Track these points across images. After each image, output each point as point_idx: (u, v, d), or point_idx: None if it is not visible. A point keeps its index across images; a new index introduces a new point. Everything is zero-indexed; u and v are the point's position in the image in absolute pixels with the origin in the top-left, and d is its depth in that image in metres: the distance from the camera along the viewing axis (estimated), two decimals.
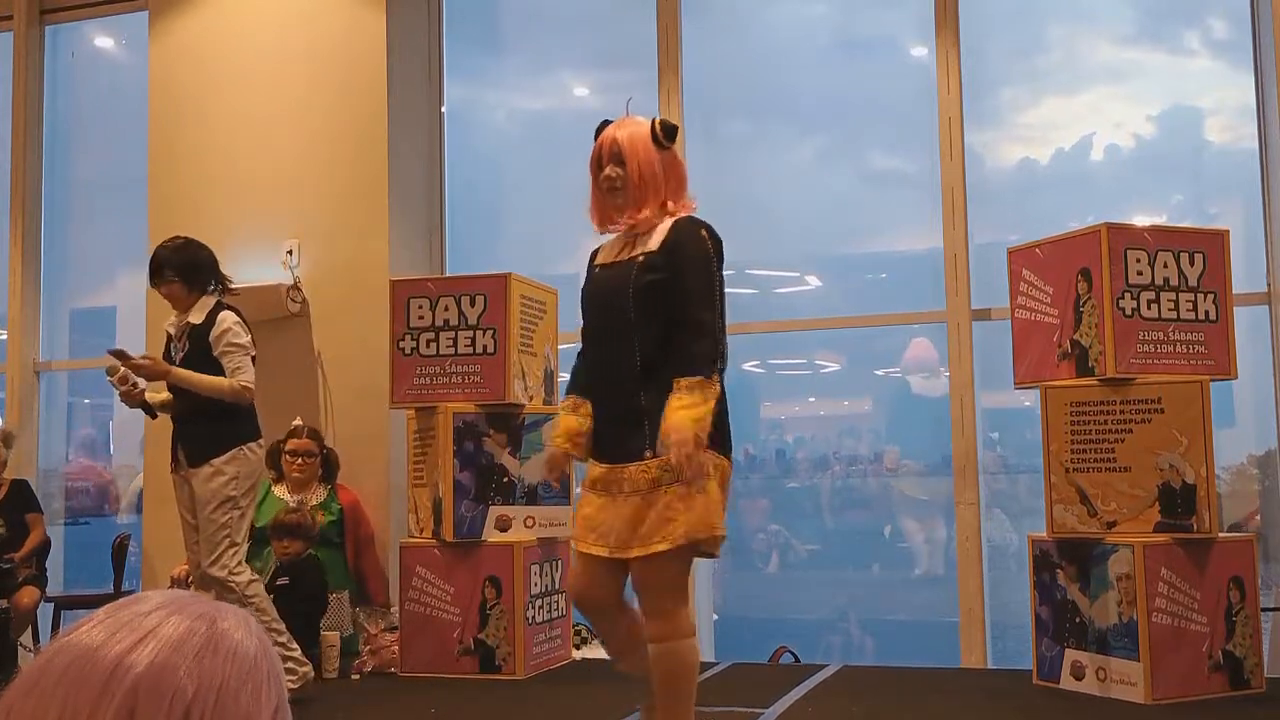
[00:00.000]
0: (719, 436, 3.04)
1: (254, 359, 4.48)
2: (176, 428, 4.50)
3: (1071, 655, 4.23)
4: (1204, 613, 4.08)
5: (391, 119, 5.83)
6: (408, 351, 5.05)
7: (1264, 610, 4.38)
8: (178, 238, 4.57)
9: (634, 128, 3.12)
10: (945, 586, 5.62)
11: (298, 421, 5.43)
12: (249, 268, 5.81)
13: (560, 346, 5.44)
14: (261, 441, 4.48)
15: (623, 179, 3.09)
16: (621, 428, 3.05)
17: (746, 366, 7.07)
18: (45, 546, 5.83)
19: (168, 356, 4.46)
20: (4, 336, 6.76)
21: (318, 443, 5.43)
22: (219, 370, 4.38)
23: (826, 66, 6.56)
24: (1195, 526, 4.06)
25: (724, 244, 3.11)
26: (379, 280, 5.46)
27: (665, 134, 3.11)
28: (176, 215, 6.03)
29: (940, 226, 5.48)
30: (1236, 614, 4.13)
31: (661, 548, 2.92)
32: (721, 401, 3.06)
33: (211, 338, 4.38)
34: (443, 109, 6.26)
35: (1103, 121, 5.93)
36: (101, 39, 7.15)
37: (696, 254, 3.02)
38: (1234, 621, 4.12)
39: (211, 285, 4.51)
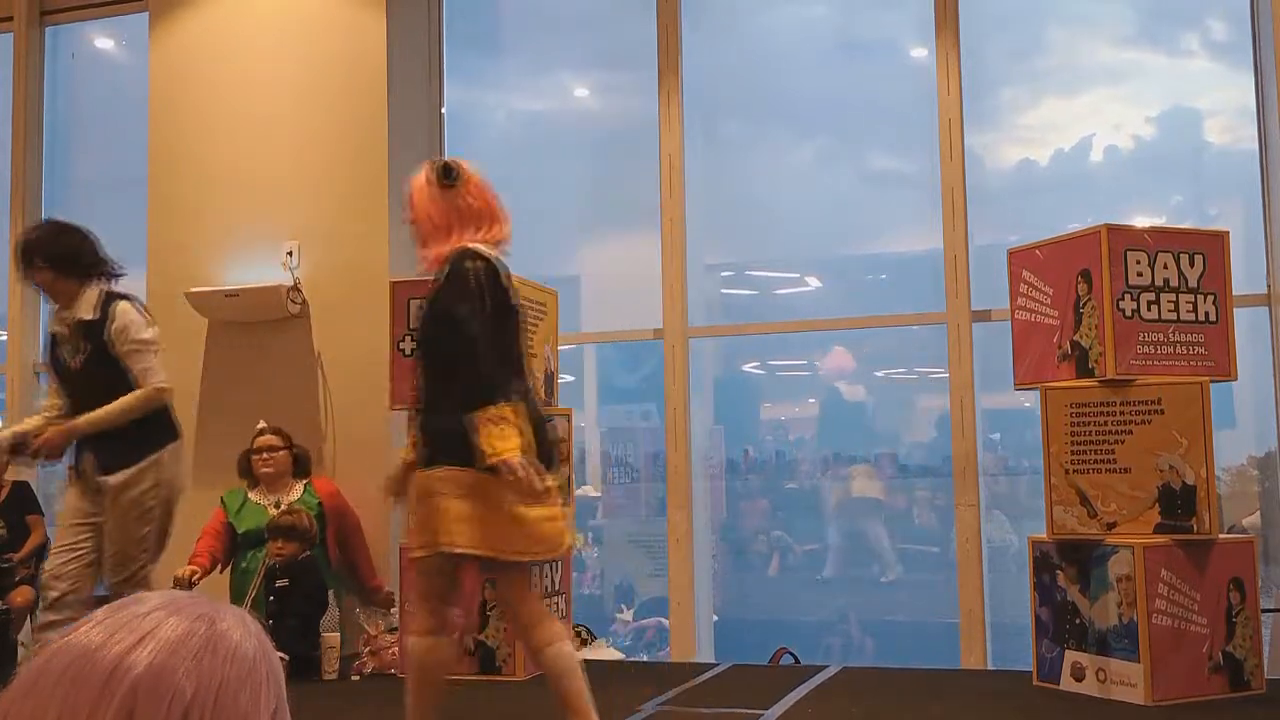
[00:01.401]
0: (460, 450, 3.13)
1: (157, 351, 4.08)
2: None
3: (1071, 656, 4.23)
4: (1204, 614, 4.08)
5: (391, 120, 5.84)
6: (408, 352, 5.05)
7: (1264, 611, 4.38)
8: (48, 221, 4.19)
9: (419, 175, 3.40)
10: (945, 588, 5.62)
11: (261, 424, 5.41)
12: (249, 268, 5.82)
13: (560, 348, 5.45)
14: (180, 443, 4.17)
15: (411, 226, 3.39)
16: (422, 440, 3.32)
17: (746, 367, 7.08)
18: (45, 547, 5.83)
19: (59, 360, 4.06)
20: (4, 337, 6.76)
21: (283, 438, 5.40)
22: (124, 370, 4.00)
23: (826, 68, 6.57)
24: (1195, 528, 4.06)
25: (501, 271, 3.24)
26: (379, 281, 5.46)
27: (438, 175, 3.34)
28: (176, 215, 6.04)
29: (940, 227, 5.48)
30: (1236, 615, 4.13)
31: (415, 555, 3.26)
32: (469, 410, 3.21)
33: (111, 334, 3.98)
34: (442, 110, 6.26)
35: (1102, 123, 5.94)
36: (102, 40, 7.15)
37: (459, 283, 3.17)
38: (1234, 623, 4.12)
39: (95, 273, 4.06)
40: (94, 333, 3.99)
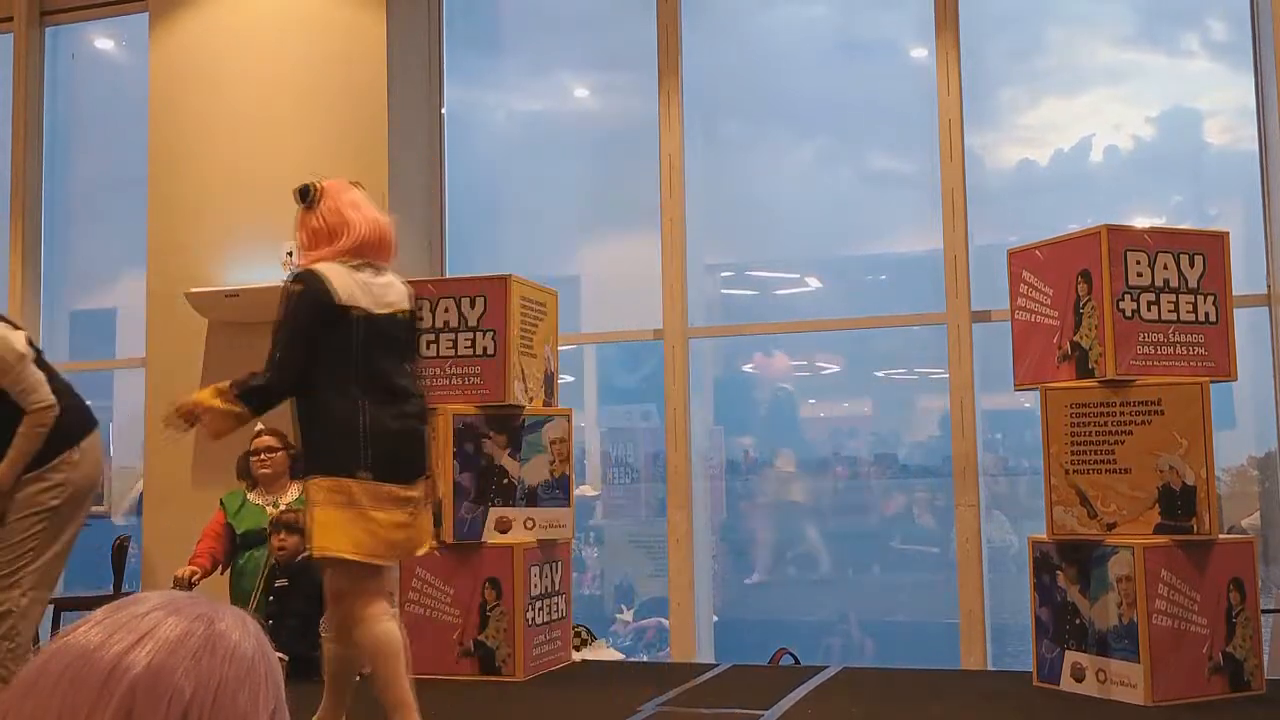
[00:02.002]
0: (322, 460, 3.34)
1: (39, 359, 3.85)
2: None
3: (1071, 657, 4.23)
4: (1204, 614, 4.08)
5: (391, 120, 5.84)
6: None
7: (1264, 611, 4.38)
8: None
9: None
10: (945, 588, 5.62)
11: (259, 425, 5.40)
12: (249, 268, 5.82)
13: (560, 348, 5.44)
14: (95, 436, 3.99)
15: None
16: None
17: (747, 368, 7.07)
18: None
19: None
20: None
21: (281, 439, 5.39)
22: None
23: (826, 68, 6.57)
24: (1195, 528, 4.06)
25: (325, 289, 3.36)
26: None
27: (298, 197, 3.56)
28: (176, 215, 6.04)
29: (940, 228, 5.48)
30: (1236, 616, 4.13)
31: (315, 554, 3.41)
32: (320, 423, 3.37)
33: None
34: (442, 110, 6.26)
35: (1102, 123, 5.94)
36: (102, 40, 7.15)
37: (282, 303, 3.40)
38: (1234, 623, 4.12)
39: None
40: None
